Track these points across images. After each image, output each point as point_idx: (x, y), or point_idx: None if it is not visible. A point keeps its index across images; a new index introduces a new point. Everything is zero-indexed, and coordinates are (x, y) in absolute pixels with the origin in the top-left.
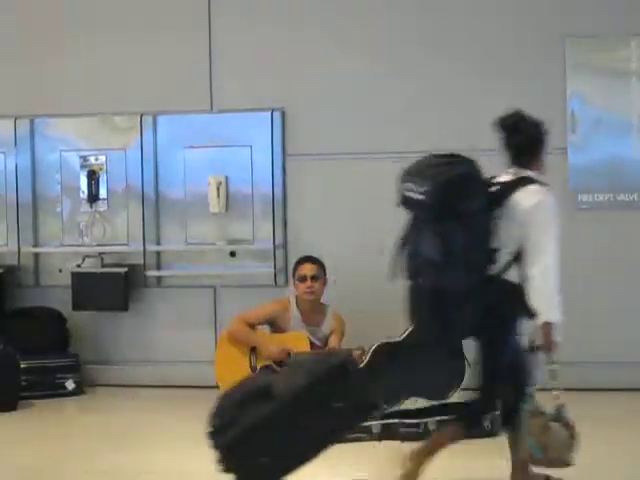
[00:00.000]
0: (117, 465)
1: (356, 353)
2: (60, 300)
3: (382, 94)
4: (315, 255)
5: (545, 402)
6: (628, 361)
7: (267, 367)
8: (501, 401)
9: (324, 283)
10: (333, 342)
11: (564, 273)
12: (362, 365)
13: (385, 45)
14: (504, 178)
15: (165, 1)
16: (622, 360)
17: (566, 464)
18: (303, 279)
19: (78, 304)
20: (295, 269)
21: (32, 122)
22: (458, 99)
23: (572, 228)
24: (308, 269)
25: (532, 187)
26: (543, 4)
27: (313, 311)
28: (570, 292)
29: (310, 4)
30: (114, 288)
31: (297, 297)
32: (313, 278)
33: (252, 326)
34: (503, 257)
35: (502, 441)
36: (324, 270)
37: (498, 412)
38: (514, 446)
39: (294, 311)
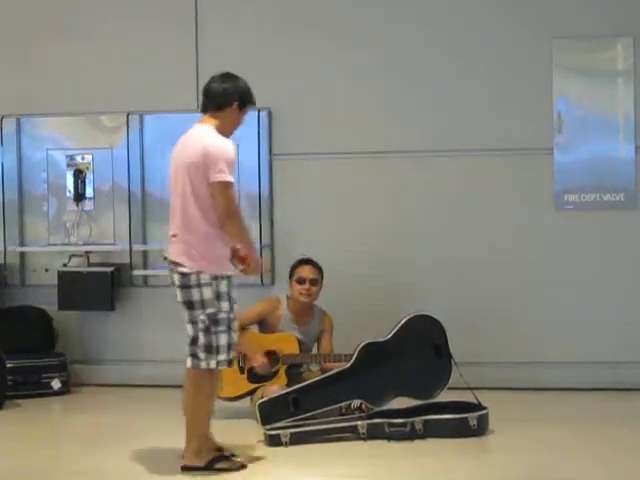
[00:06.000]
0: (102, 466)
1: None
2: (46, 299)
3: (368, 94)
4: (302, 254)
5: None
6: (612, 361)
7: (255, 367)
8: None
9: (320, 288)
10: (325, 343)
11: (550, 273)
12: (349, 365)
13: (371, 45)
14: None
15: (153, 1)
16: (608, 360)
17: None
18: (302, 281)
19: (64, 303)
20: (294, 270)
21: (18, 121)
22: (443, 99)
23: (558, 228)
24: (308, 272)
25: None
26: (530, 5)
27: (303, 312)
28: (556, 292)
29: (296, 4)
30: (100, 287)
31: (289, 297)
32: (312, 281)
33: (242, 328)
34: None
35: (487, 440)
36: (322, 276)
37: (485, 411)
38: None
39: (284, 311)
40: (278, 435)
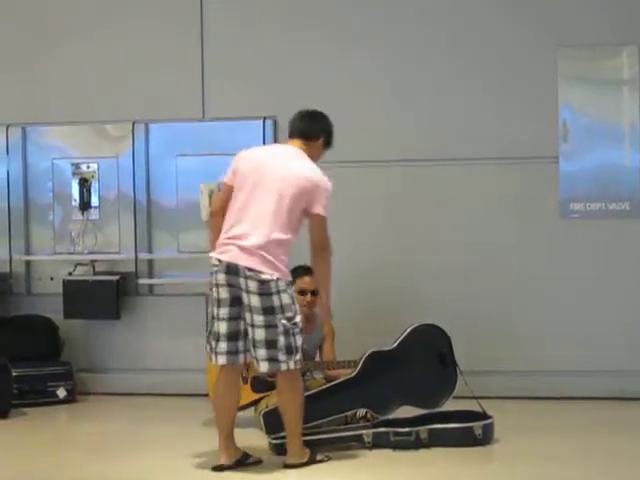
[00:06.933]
0: (106, 474)
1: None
2: (52, 308)
3: (374, 103)
4: (305, 264)
5: None
6: (617, 370)
7: (259, 377)
8: None
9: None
10: (327, 350)
11: (556, 282)
12: (354, 374)
13: (377, 54)
14: None
15: (157, 9)
16: (612, 369)
17: None
18: (303, 292)
19: (70, 312)
20: (294, 280)
21: (24, 130)
22: (450, 108)
23: (563, 237)
24: (309, 283)
25: None
26: (535, 14)
27: (306, 320)
28: (561, 301)
29: (302, 13)
30: (106, 296)
31: None
32: (313, 292)
33: None
34: None
35: (492, 449)
36: None
37: (491, 421)
38: None
39: None
40: (283, 444)
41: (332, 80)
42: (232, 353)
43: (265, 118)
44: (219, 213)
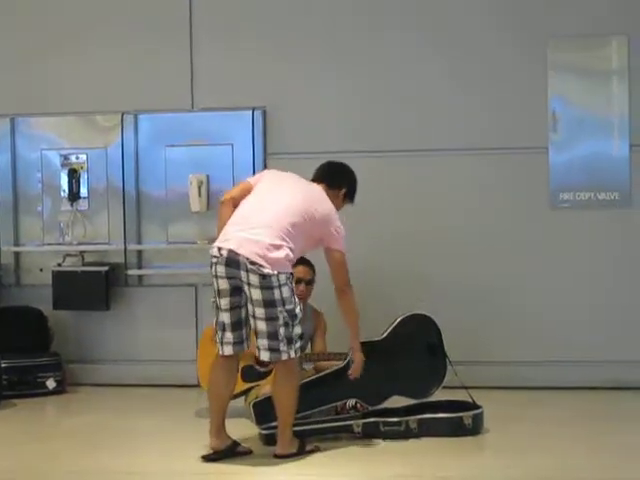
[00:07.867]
0: (98, 465)
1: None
2: (41, 299)
3: (364, 93)
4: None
5: None
6: (608, 360)
7: (250, 367)
8: None
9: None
10: (318, 342)
11: (545, 271)
12: (344, 364)
13: (367, 45)
14: None
15: (146, 1)
16: (602, 359)
17: None
18: (298, 282)
19: (59, 303)
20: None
21: (13, 121)
22: (440, 99)
23: (553, 227)
24: (304, 273)
25: None
26: (525, 4)
27: None
28: (551, 290)
29: (292, 5)
30: (95, 287)
31: None
32: (308, 282)
33: None
34: None
35: (482, 439)
36: (315, 273)
37: (480, 411)
38: None
39: None
40: (273, 435)
41: (322, 72)
42: (238, 343)
43: (254, 109)
44: (230, 203)
